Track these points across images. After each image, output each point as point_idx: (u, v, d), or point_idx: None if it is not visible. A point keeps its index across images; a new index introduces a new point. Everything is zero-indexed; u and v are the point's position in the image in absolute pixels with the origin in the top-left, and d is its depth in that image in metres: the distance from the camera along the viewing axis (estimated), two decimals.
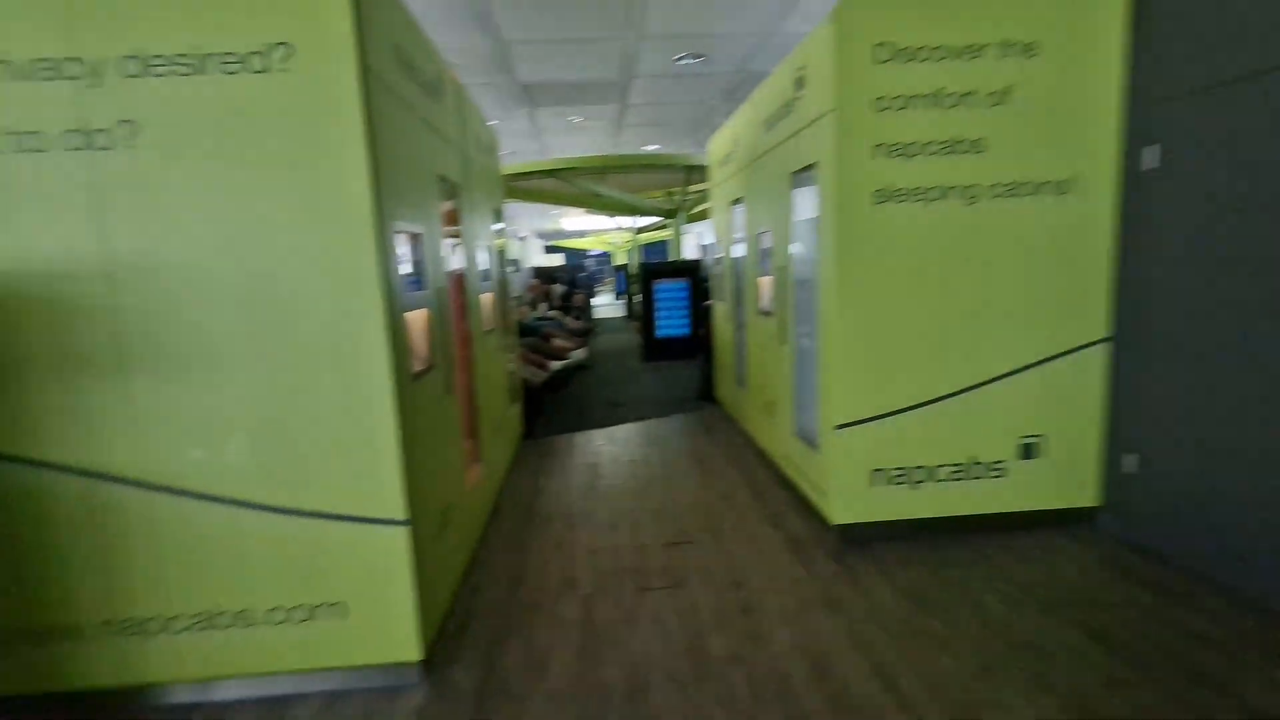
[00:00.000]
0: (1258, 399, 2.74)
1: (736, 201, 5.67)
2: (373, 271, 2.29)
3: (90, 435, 2.32)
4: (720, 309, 6.64)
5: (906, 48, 3.23)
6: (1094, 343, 3.51)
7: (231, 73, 2.19)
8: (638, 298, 13.36)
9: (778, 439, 4.63)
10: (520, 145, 11.20)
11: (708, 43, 6.53)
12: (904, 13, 3.21)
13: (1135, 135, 3.26)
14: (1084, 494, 3.64)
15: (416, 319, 2.78)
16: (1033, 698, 2.28)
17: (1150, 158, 3.18)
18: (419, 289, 2.84)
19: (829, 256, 3.44)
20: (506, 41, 6.20)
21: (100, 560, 2.39)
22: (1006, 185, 3.36)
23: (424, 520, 2.63)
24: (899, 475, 3.55)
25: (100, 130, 2.20)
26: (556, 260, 31.04)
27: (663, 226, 16.71)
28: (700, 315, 10.41)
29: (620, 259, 31.13)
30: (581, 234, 29.96)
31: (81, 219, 2.23)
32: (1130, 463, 3.40)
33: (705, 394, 7.34)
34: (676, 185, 11.97)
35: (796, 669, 2.51)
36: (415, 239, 2.80)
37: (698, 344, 10.33)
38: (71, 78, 2.18)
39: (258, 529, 2.41)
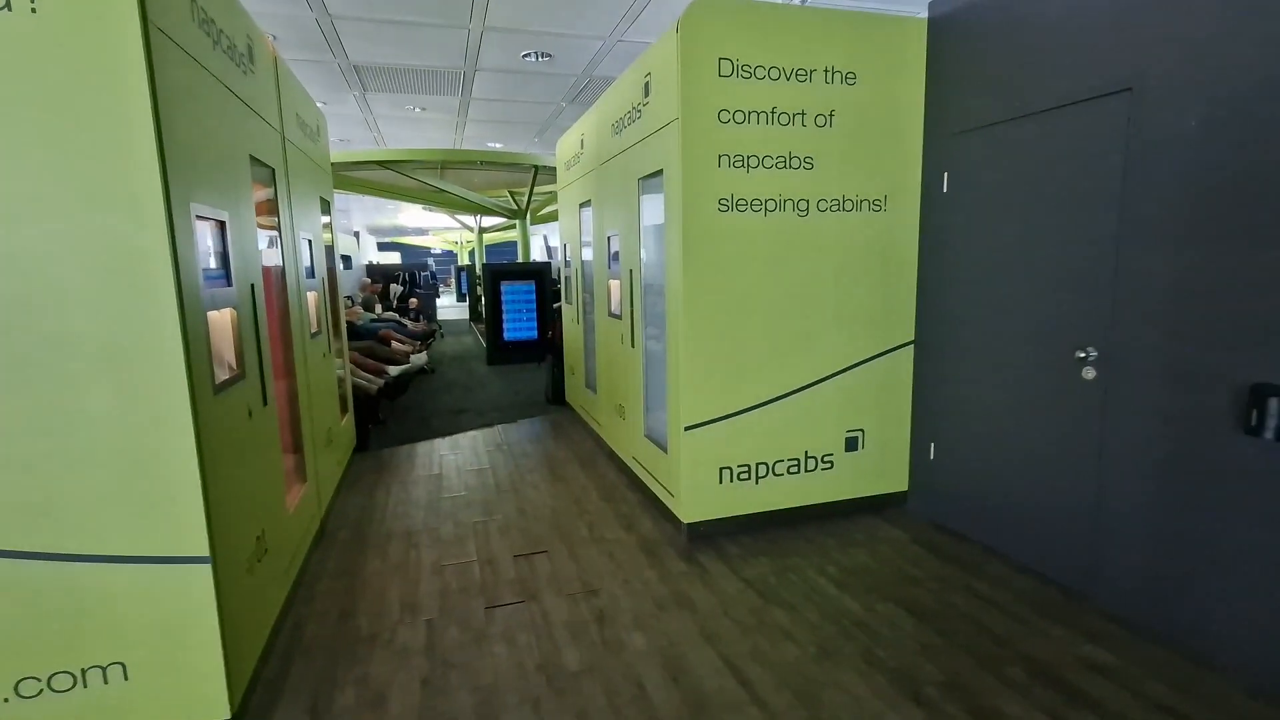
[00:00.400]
0: (1014, 389, 3.22)
1: (585, 204, 5.65)
2: (164, 263, 1.93)
3: None
4: (569, 311, 6.59)
5: (746, 64, 3.39)
6: (904, 344, 3.93)
7: None
8: (483, 299, 12.92)
9: (629, 441, 4.66)
10: (353, 132, 10.32)
11: (554, 42, 6.44)
12: (743, 31, 3.36)
13: (931, 163, 3.70)
14: (897, 480, 4.06)
15: (221, 320, 2.40)
16: (865, 674, 2.47)
17: (944, 183, 3.62)
18: (225, 285, 2.46)
19: (676, 261, 3.51)
20: (333, 16, 5.65)
21: None
22: (833, 200, 3.65)
23: (231, 553, 2.28)
24: (743, 472, 3.72)
25: None
26: (393, 258, 29.16)
27: (509, 227, 16.31)
28: (548, 317, 10.30)
29: (464, 259, 29.98)
30: (422, 231, 28.41)
31: None
32: (932, 450, 3.85)
33: (555, 397, 7.24)
34: (522, 185, 11.73)
35: (651, 673, 2.51)
36: (220, 227, 2.42)
37: (546, 347, 10.22)
38: None
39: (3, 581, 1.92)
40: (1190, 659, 2.50)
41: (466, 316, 17.96)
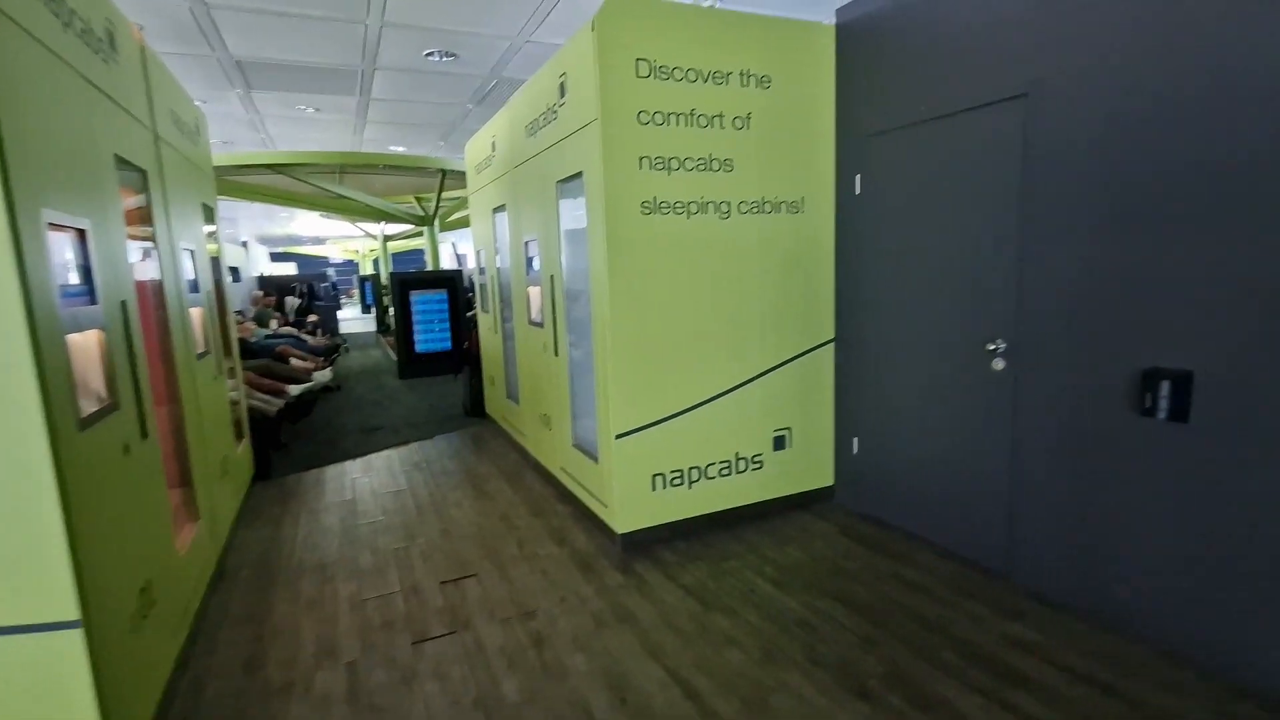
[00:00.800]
0: (930, 381, 3.36)
1: (499, 209, 5.45)
2: (8, 279, 1.63)
3: None
4: (486, 320, 6.35)
5: (664, 66, 3.35)
6: (825, 343, 4.01)
7: None
8: (391, 310, 12.31)
9: (556, 452, 4.52)
10: (236, 133, 9.53)
11: (459, 41, 6.19)
12: (659, 31, 3.32)
13: (845, 165, 3.80)
14: (823, 476, 4.14)
15: (85, 344, 2.09)
16: (810, 673, 2.47)
17: (857, 185, 3.73)
18: (88, 303, 2.14)
19: (601, 266, 3.42)
20: (209, 5, 5.17)
21: None
22: (753, 202, 3.67)
23: (109, 612, 1.97)
24: (675, 477, 3.67)
25: None
26: (287, 269, 27.36)
27: (416, 234, 15.65)
28: (462, 327, 9.93)
29: (367, 268, 28.55)
30: (319, 240, 26.80)
31: None
32: (855, 445, 3.96)
33: (474, 410, 6.96)
34: (429, 190, 11.26)
35: (597, 696, 2.40)
36: (80, 236, 2.10)
37: (461, 358, 9.84)
38: None
39: None
40: (1104, 628, 2.66)
41: (373, 329, 17.09)
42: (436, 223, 10.63)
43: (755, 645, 2.67)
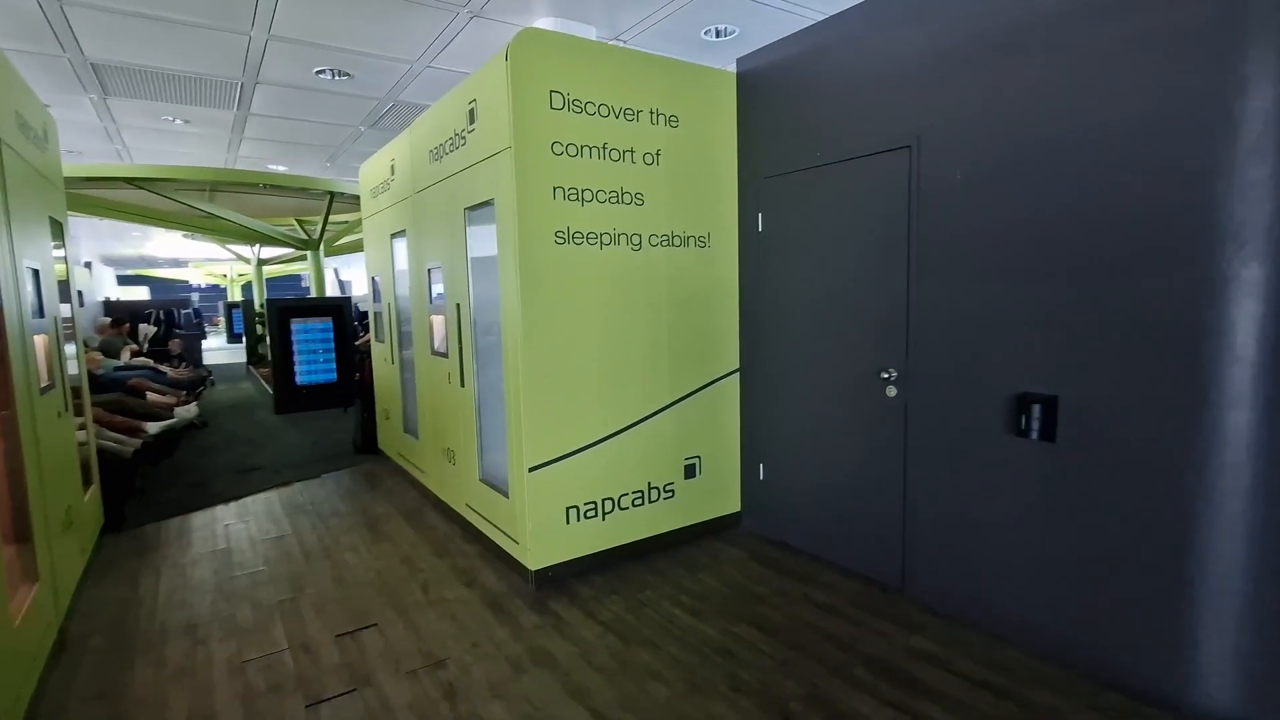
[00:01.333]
0: (829, 409, 3.56)
1: (398, 234, 5.24)
2: None
3: None
4: (381, 350, 6.01)
5: (577, 99, 3.39)
6: (730, 373, 4.15)
7: None
8: (267, 339, 11.39)
9: (461, 488, 4.32)
10: (86, 143, 8.55)
11: (354, 61, 5.94)
12: (571, 65, 3.37)
13: (747, 203, 4.00)
14: (730, 502, 4.24)
15: None
16: (734, 701, 2.48)
17: (759, 222, 3.93)
18: None
19: (513, 295, 3.36)
20: (62, 3, 4.64)
21: None
22: (663, 236, 3.77)
23: None
24: (589, 509, 3.62)
25: None
26: (138, 293, 24.64)
27: (296, 258, 14.64)
28: (350, 358, 9.35)
29: (236, 294, 26.30)
30: (179, 263, 24.41)
31: None
32: (761, 471, 4.09)
33: (366, 446, 6.52)
34: (313, 213, 10.62)
35: None
36: None
37: (348, 390, 9.24)
38: None
39: None
40: (992, 636, 2.89)
41: (243, 359, 15.67)
42: (321, 247, 10.00)
43: (678, 678, 2.65)
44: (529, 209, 3.29)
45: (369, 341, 13.38)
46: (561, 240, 3.40)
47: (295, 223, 10.59)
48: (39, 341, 3.16)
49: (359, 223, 10.51)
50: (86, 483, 4.12)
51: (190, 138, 8.54)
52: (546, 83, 3.29)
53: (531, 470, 3.40)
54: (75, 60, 5.74)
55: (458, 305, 4.07)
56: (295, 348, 8.96)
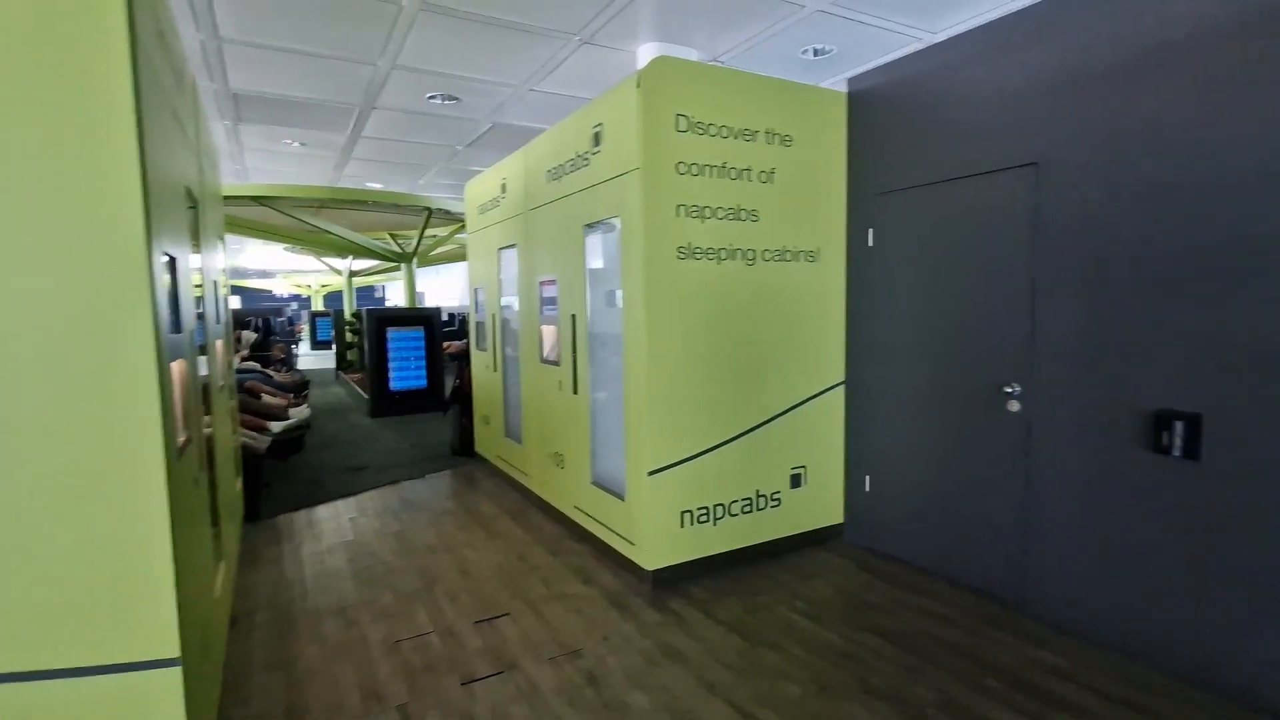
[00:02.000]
0: (943, 423, 3.59)
1: (506, 248, 5.54)
2: (142, 306, 1.63)
3: None
4: (483, 358, 6.33)
5: (700, 121, 3.57)
6: (836, 385, 4.22)
7: None
8: (361, 347, 12.06)
9: (570, 491, 4.53)
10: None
11: (464, 86, 6.34)
12: (697, 90, 3.55)
13: (856, 220, 4.08)
14: (833, 513, 4.29)
15: (176, 373, 2.06)
16: (868, 704, 2.55)
17: (869, 238, 4.01)
18: (174, 331, 2.11)
19: (637, 307, 3.54)
20: (222, 39, 5.17)
21: None
22: (775, 251, 3.89)
23: (192, 653, 1.90)
24: (702, 514, 3.75)
25: None
26: (232, 303, 26.32)
27: (384, 270, 15.44)
28: (439, 365, 9.81)
29: (318, 304, 27.80)
30: (267, 274, 26.02)
31: None
32: (868, 483, 4.14)
33: (463, 449, 6.86)
34: (404, 228, 11.22)
35: None
36: (172, 264, 2.09)
37: (438, 396, 9.70)
38: None
39: None
40: (1124, 655, 2.86)
41: (327, 365, 16.58)
42: (415, 260, 10.56)
43: (808, 678, 2.74)
44: (654, 226, 3.48)
45: (456, 348, 13.91)
46: (683, 255, 3.57)
47: (389, 237, 11.21)
48: (218, 345, 3.53)
49: (449, 236, 11.03)
50: (237, 474, 4.52)
51: (302, 159, 9.21)
52: (673, 107, 3.49)
53: (651, 474, 3.56)
54: (220, 90, 6.34)
55: (573, 316, 4.30)
56: (390, 355, 9.47)
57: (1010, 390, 3.28)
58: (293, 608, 3.48)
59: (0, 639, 1.54)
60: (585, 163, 4.03)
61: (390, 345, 9.45)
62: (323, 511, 5.15)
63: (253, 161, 9.28)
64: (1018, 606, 3.30)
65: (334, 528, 4.75)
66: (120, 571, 1.64)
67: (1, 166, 1.51)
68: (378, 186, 11.13)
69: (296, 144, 8.38)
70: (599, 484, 4.16)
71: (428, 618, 3.33)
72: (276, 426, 6.40)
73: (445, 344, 12.40)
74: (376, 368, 9.40)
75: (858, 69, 5.81)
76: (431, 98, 6.67)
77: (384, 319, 9.47)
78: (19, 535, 1.55)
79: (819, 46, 5.52)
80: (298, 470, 6.33)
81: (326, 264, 15.10)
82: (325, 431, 8.41)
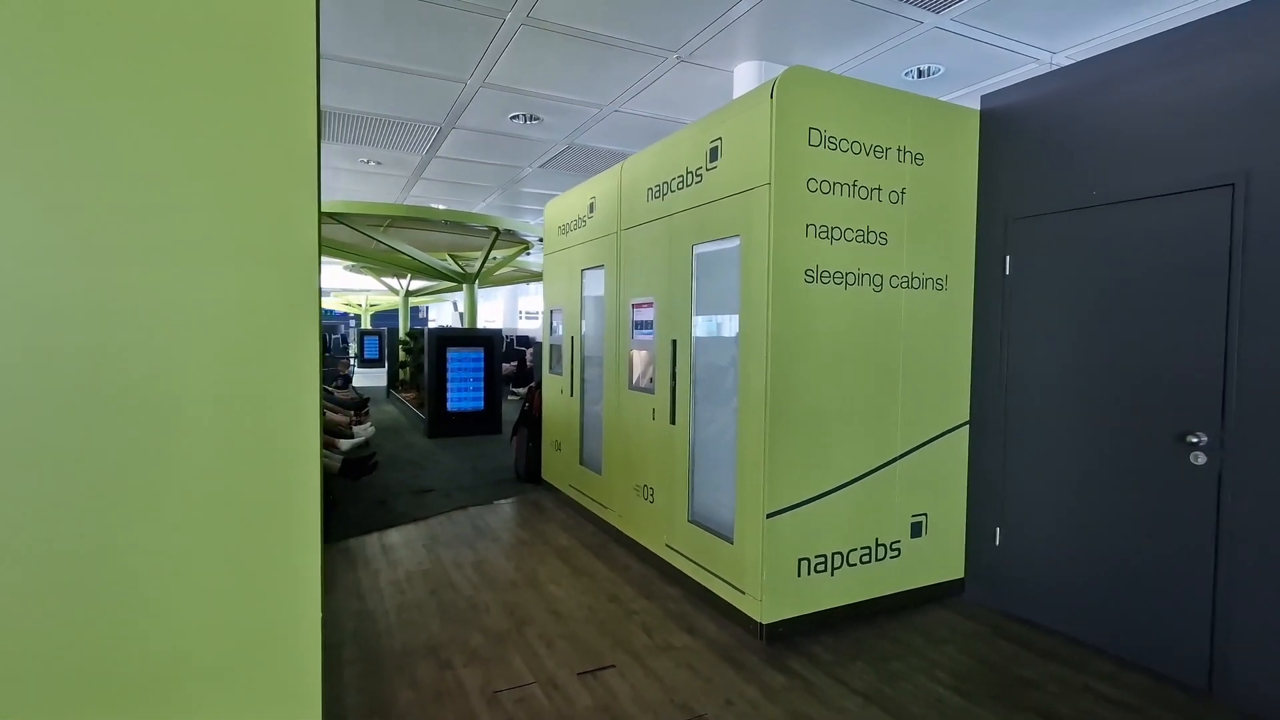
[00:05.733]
0: (1102, 474, 3.19)
1: (592, 269, 5.35)
2: (311, 317, 1.43)
3: None
4: (557, 382, 6.12)
5: (833, 136, 3.32)
6: (959, 425, 3.85)
7: None
8: (416, 367, 12.03)
9: (661, 528, 4.22)
10: None
11: (548, 105, 6.27)
12: (830, 103, 3.31)
13: (989, 245, 3.76)
14: (953, 567, 3.89)
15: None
16: None
17: (1008, 265, 3.67)
18: None
19: (758, 333, 3.27)
20: (320, 55, 5.17)
21: None
22: (903, 277, 3.59)
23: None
24: (820, 563, 3.40)
25: None
26: None
27: (446, 289, 15.57)
28: (498, 388, 9.66)
29: (365, 322, 28.29)
30: (325, 292, 26.59)
31: None
32: (998, 536, 3.73)
33: (529, 475, 6.61)
34: (465, 249, 11.23)
35: None
36: None
37: (495, 418, 9.53)
38: None
39: None
40: None
41: (376, 383, 16.67)
42: (477, 280, 10.53)
43: None
44: (783, 246, 3.22)
45: (516, 371, 13.76)
46: (810, 279, 3.30)
47: (449, 257, 11.23)
48: None
49: (511, 258, 11.00)
50: None
51: (375, 177, 9.30)
52: (806, 119, 3.25)
53: (770, 516, 3.24)
54: None
55: (673, 341, 4.04)
56: (449, 376, 9.36)
57: (1195, 440, 2.88)
58: (379, 644, 3.22)
59: (128, 697, 1.31)
60: (697, 179, 3.81)
61: (450, 366, 9.35)
62: (394, 536, 4.93)
63: (328, 179, 9.39)
64: (1204, 693, 2.85)
65: (409, 554, 4.52)
66: (268, 622, 1.41)
67: (208, 176, 1.34)
68: (441, 207, 11.21)
69: (373, 163, 8.44)
70: (698, 523, 3.84)
71: (525, 665, 3.04)
72: (345, 444, 6.27)
73: (509, 366, 12.31)
74: (435, 388, 9.29)
75: (962, 91, 5.55)
76: (514, 117, 6.61)
77: (445, 339, 9.39)
78: (162, 577, 1.33)
79: (926, 66, 5.26)
80: (363, 491, 6.15)
81: (385, 284, 15.26)
82: (385, 451, 8.28)
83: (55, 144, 1.28)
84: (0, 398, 1.24)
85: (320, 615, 1.47)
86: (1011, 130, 3.65)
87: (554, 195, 6.78)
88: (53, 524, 1.28)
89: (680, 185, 3.99)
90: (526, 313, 24.74)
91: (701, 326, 3.91)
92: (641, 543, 4.48)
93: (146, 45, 1.34)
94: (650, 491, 4.34)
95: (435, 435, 9.25)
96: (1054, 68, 4.92)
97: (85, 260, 1.30)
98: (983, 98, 3.84)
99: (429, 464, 7.57)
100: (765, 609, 3.27)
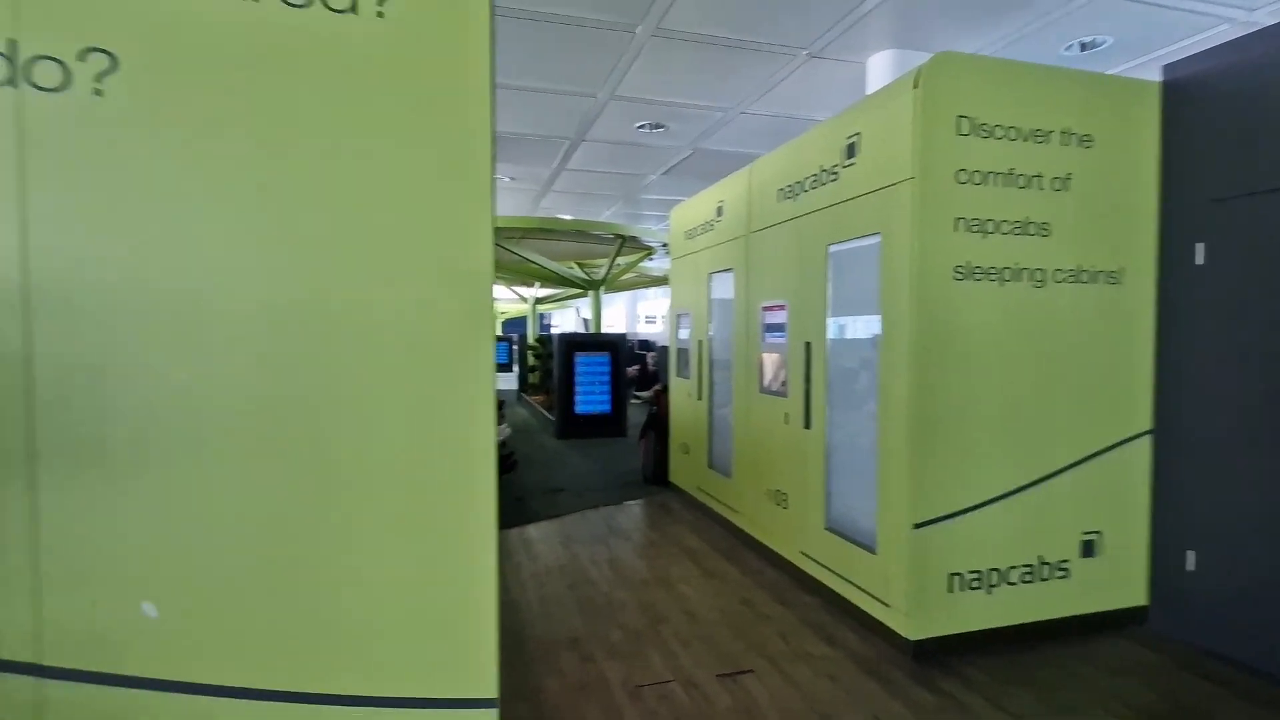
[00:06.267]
0: None
1: (719, 272, 5.35)
2: (487, 326, 1.56)
3: None
4: (684, 385, 6.18)
5: (984, 123, 3.11)
6: (1139, 435, 3.45)
7: (297, 3, 1.44)
8: (545, 370, 12.64)
9: (795, 535, 4.13)
10: None
11: (673, 113, 6.36)
12: (982, 88, 3.11)
13: (1177, 232, 3.34)
14: (1134, 592, 3.48)
15: None
16: None
17: (1198, 254, 3.25)
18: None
19: (901, 334, 3.12)
20: None
21: None
22: (1069, 271, 3.28)
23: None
24: (974, 579, 3.18)
25: (46, 59, 1.32)
26: None
27: (567, 296, 16.26)
28: (623, 391, 9.91)
29: (497, 329, 30.03)
30: None
31: None
32: (1190, 560, 3.30)
33: (655, 477, 6.72)
34: (589, 256, 11.64)
35: None
36: None
37: (620, 421, 9.78)
38: None
39: None
40: None
41: (508, 386, 17.65)
42: (602, 287, 10.89)
43: None
44: (928, 243, 3.05)
45: (638, 374, 14.10)
46: (960, 276, 3.10)
47: (575, 265, 11.69)
48: None
49: (634, 264, 11.27)
50: None
51: (507, 192, 9.88)
52: (953, 108, 3.06)
53: (917, 528, 3.08)
54: None
55: (807, 344, 3.95)
56: (577, 379, 9.72)
57: None
58: (524, 633, 3.41)
59: (336, 662, 1.49)
60: (833, 177, 3.70)
61: (577, 369, 9.71)
62: (533, 532, 5.20)
63: None
64: None
65: (547, 550, 4.75)
66: (452, 604, 1.55)
67: (399, 205, 1.52)
68: (567, 218, 11.69)
69: (507, 178, 8.98)
70: (836, 530, 3.72)
71: (663, 663, 3.09)
72: None
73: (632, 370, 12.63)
74: (563, 391, 9.69)
75: (1135, 62, 4.99)
76: (640, 126, 6.77)
77: (573, 344, 9.77)
78: (370, 550, 1.51)
79: (1090, 39, 4.78)
80: (502, 488, 6.51)
81: (515, 292, 16.17)
82: (519, 451, 8.74)
83: (281, 183, 1.48)
84: (241, 399, 1.46)
85: (497, 597, 1.58)
86: (1205, 101, 3.23)
87: (675, 201, 6.86)
88: (280, 508, 1.49)
89: (814, 184, 3.90)
90: (646, 317, 25.15)
91: (836, 328, 3.79)
92: (773, 548, 4.41)
93: (349, 100, 1.52)
94: (783, 497, 4.26)
95: (564, 436, 9.64)
96: (1254, 28, 4.30)
97: (299, 280, 1.50)
98: (1165, 68, 3.43)
99: (559, 464, 7.91)
100: (913, 624, 3.11)
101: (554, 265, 10.34)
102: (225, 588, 1.43)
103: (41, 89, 1.32)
